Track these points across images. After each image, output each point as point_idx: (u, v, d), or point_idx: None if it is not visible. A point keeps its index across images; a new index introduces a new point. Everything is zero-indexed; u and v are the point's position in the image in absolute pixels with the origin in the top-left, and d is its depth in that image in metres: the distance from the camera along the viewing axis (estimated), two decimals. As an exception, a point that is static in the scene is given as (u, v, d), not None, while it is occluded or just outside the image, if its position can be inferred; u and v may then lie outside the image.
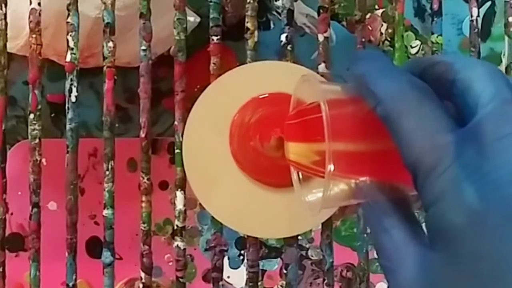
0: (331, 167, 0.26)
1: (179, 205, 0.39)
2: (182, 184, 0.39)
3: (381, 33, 0.55)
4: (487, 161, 0.21)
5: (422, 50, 0.55)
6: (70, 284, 0.38)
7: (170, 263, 0.55)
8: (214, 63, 0.39)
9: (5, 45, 0.39)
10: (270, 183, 0.37)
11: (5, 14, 0.39)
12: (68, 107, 0.38)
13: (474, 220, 0.21)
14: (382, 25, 0.55)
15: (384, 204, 0.25)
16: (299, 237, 0.41)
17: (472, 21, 0.41)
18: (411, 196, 0.25)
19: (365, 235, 0.40)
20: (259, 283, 0.40)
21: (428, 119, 0.23)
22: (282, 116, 0.35)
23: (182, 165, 0.38)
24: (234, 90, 0.38)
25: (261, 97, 0.37)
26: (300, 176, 0.34)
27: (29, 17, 0.38)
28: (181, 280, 0.39)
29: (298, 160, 0.33)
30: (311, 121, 0.31)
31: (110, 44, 0.39)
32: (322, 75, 0.39)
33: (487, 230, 0.21)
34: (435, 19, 0.41)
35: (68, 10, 0.38)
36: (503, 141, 0.22)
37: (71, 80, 0.38)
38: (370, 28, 0.55)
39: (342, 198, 0.28)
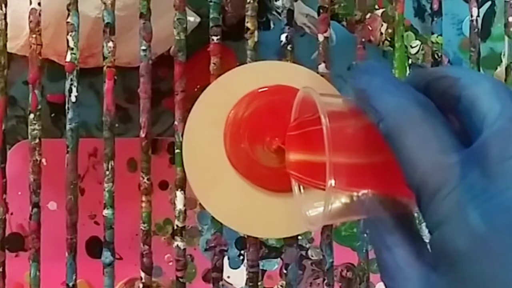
0: (332, 182, 0.26)
1: (179, 205, 0.39)
2: (182, 184, 0.39)
3: (381, 33, 0.55)
4: (493, 183, 0.21)
5: (422, 50, 0.55)
6: (70, 284, 0.38)
7: (170, 263, 0.55)
8: (214, 63, 0.39)
9: (5, 45, 0.39)
10: (268, 188, 0.37)
11: (5, 14, 0.39)
12: (68, 107, 0.38)
13: (479, 245, 0.20)
14: (382, 25, 0.55)
15: (387, 220, 0.25)
16: (299, 237, 0.41)
17: (472, 21, 0.41)
18: (415, 211, 0.25)
19: (365, 235, 0.40)
20: (259, 283, 0.40)
21: (432, 138, 0.22)
22: (274, 109, 0.35)
23: (182, 165, 0.38)
24: (234, 90, 0.37)
25: (259, 90, 0.37)
26: (301, 189, 0.34)
27: (29, 17, 0.38)
28: (181, 280, 0.39)
29: (299, 172, 0.33)
30: (312, 133, 0.31)
31: (110, 44, 0.39)
32: (322, 75, 0.39)
33: (493, 256, 0.20)
34: (435, 19, 0.41)
35: (68, 10, 0.38)
36: (509, 162, 0.21)
37: (71, 80, 0.38)
38: (370, 28, 0.55)
39: (344, 213, 0.27)
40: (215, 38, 0.39)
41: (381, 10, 0.55)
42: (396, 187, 0.25)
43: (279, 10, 0.55)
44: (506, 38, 0.42)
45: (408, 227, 0.25)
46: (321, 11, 0.40)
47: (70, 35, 0.38)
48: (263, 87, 0.37)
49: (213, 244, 0.39)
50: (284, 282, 0.40)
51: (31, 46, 0.38)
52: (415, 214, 0.25)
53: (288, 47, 0.39)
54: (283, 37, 0.40)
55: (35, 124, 0.38)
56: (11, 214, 0.54)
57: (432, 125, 0.23)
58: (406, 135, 0.23)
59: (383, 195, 0.26)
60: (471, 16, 0.41)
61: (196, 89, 0.49)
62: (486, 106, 0.23)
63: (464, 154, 0.22)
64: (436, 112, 0.24)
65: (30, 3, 0.38)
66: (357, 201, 0.26)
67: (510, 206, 0.20)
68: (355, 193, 0.26)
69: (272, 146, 0.36)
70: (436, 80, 0.25)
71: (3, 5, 0.39)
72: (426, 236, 0.23)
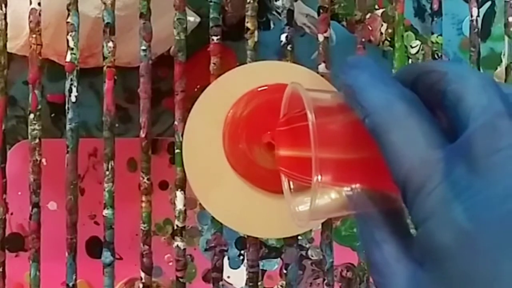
0: (317, 177, 0.26)
1: (179, 205, 0.39)
2: (182, 184, 0.39)
3: (381, 33, 0.55)
4: (478, 178, 0.21)
5: (422, 50, 0.55)
6: (70, 284, 0.38)
7: (170, 263, 0.55)
8: (214, 63, 0.39)
9: (5, 45, 0.39)
10: (267, 189, 0.37)
11: (5, 14, 0.39)
12: (68, 107, 0.38)
13: (464, 241, 0.20)
14: (382, 25, 0.55)
15: (375, 216, 0.25)
16: (299, 237, 0.41)
17: (472, 21, 0.41)
18: (404, 206, 0.25)
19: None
20: (259, 283, 0.40)
21: (417, 134, 0.22)
22: (273, 108, 0.35)
23: (182, 165, 0.38)
24: (234, 90, 0.38)
25: (259, 89, 0.37)
26: (291, 185, 0.34)
27: (29, 17, 0.38)
28: (181, 280, 0.39)
29: (288, 168, 0.33)
30: (300, 129, 0.31)
31: (110, 44, 0.39)
32: (322, 75, 0.39)
33: (478, 252, 0.20)
34: (435, 19, 0.41)
35: (68, 10, 0.38)
36: (494, 157, 0.21)
37: (71, 80, 0.38)
38: (370, 28, 0.55)
39: (333, 209, 0.27)
40: (215, 38, 0.39)
41: (381, 10, 0.55)
42: (384, 182, 0.25)
43: (279, 10, 0.55)
44: (506, 38, 0.42)
45: (397, 223, 0.25)
46: (321, 11, 0.40)
47: (70, 35, 0.38)
48: (263, 86, 0.37)
49: (213, 244, 0.39)
50: (284, 282, 0.40)
51: (31, 46, 0.38)
52: (404, 209, 0.25)
53: (288, 47, 0.39)
54: (283, 37, 0.40)
55: (35, 124, 0.38)
56: (11, 214, 0.54)
57: (417, 121, 0.23)
58: (391, 131, 0.23)
59: (371, 190, 0.26)
60: (471, 16, 0.41)
61: (196, 89, 0.49)
62: (472, 100, 0.22)
63: (449, 149, 0.22)
64: (422, 107, 0.23)
65: (30, 3, 0.38)
66: (345, 197, 0.26)
67: (494, 202, 0.20)
68: (343, 188, 0.26)
69: (263, 141, 0.36)
70: (424, 74, 0.25)
71: (3, 5, 0.39)
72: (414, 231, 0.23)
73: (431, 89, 0.24)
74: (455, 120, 0.23)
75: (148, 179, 0.39)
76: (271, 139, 0.35)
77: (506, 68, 0.42)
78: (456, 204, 0.21)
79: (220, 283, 0.39)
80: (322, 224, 0.39)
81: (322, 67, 0.40)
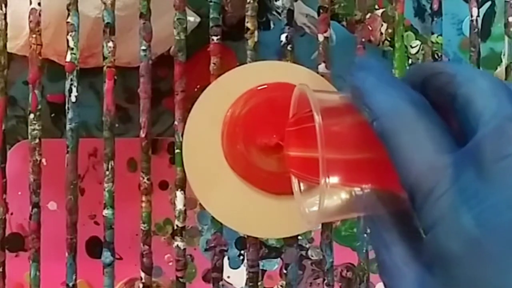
0: (325, 178, 0.25)
1: (179, 205, 0.39)
2: (182, 184, 0.39)
3: (381, 33, 0.55)
4: (487, 184, 0.20)
5: (422, 50, 0.55)
6: (70, 284, 0.38)
7: (170, 263, 0.55)
8: (214, 63, 0.39)
9: (5, 45, 0.39)
10: (266, 190, 0.37)
11: (5, 14, 0.39)
12: (68, 107, 0.38)
13: (472, 248, 0.20)
14: (382, 25, 0.55)
15: (385, 217, 0.24)
16: (299, 237, 0.41)
17: (472, 21, 0.41)
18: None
19: (365, 235, 0.40)
20: (259, 283, 0.40)
21: (425, 138, 0.22)
22: (274, 106, 0.34)
23: (182, 165, 0.38)
24: (234, 90, 0.37)
25: (258, 88, 0.37)
26: (301, 186, 0.34)
27: (29, 17, 0.38)
28: (181, 280, 0.39)
29: (297, 168, 0.33)
30: (309, 129, 0.31)
31: (110, 44, 0.39)
32: (322, 75, 0.39)
33: (486, 258, 0.20)
34: (435, 19, 0.41)
35: (68, 10, 0.38)
36: (504, 163, 0.21)
37: (71, 80, 0.38)
38: (370, 28, 0.55)
39: (342, 210, 0.27)
40: (215, 38, 0.39)
41: (381, 10, 0.55)
42: (393, 183, 0.25)
43: (279, 10, 0.55)
44: (506, 38, 0.42)
45: (406, 224, 0.24)
46: (321, 11, 0.40)
47: (70, 35, 0.38)
48: (263, 85, 0.37)
49: (213, 244, 0.39)
50: (284, 282, 0.40)
51: (31, 46, 0.38)
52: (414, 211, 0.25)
53: (288, 47, 0.39)
54: (283, 37, 0.40)
55: (35, 124, 0.38)
56: (11, 214, 0.54)
57: (425, 126, 0.22)
58: (399, 136, 0.23)
59: (380, 190, 0.26)
60: (471, 16, 0.41)
61: (196, 89, 0.49)
62: (482, 104, 0.22)
63: (458, 155, 0.22)
64: (430, 111, 0.23)
65: (30, 3, 0.39)
66: (355, 197, 0.26)
67: (504, 208, 0.20)
68: (352, 189, 0.26)
69: (270, 143, 0.36)
70: (433, 76, 0.24)
71: (3, 5, 0.39)
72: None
73: (440, 91, 0.24)
74: (465, 123, 0.23)
75: (148, 179, 0.39)
76: (279, 140, 0.35)
77: (506, 68, 0.42)
78: (464, 211, 0.21)
79: (220, 283, 0.39)
80: (322, 224, 0.39)
81: (322, 67, 0.40)
